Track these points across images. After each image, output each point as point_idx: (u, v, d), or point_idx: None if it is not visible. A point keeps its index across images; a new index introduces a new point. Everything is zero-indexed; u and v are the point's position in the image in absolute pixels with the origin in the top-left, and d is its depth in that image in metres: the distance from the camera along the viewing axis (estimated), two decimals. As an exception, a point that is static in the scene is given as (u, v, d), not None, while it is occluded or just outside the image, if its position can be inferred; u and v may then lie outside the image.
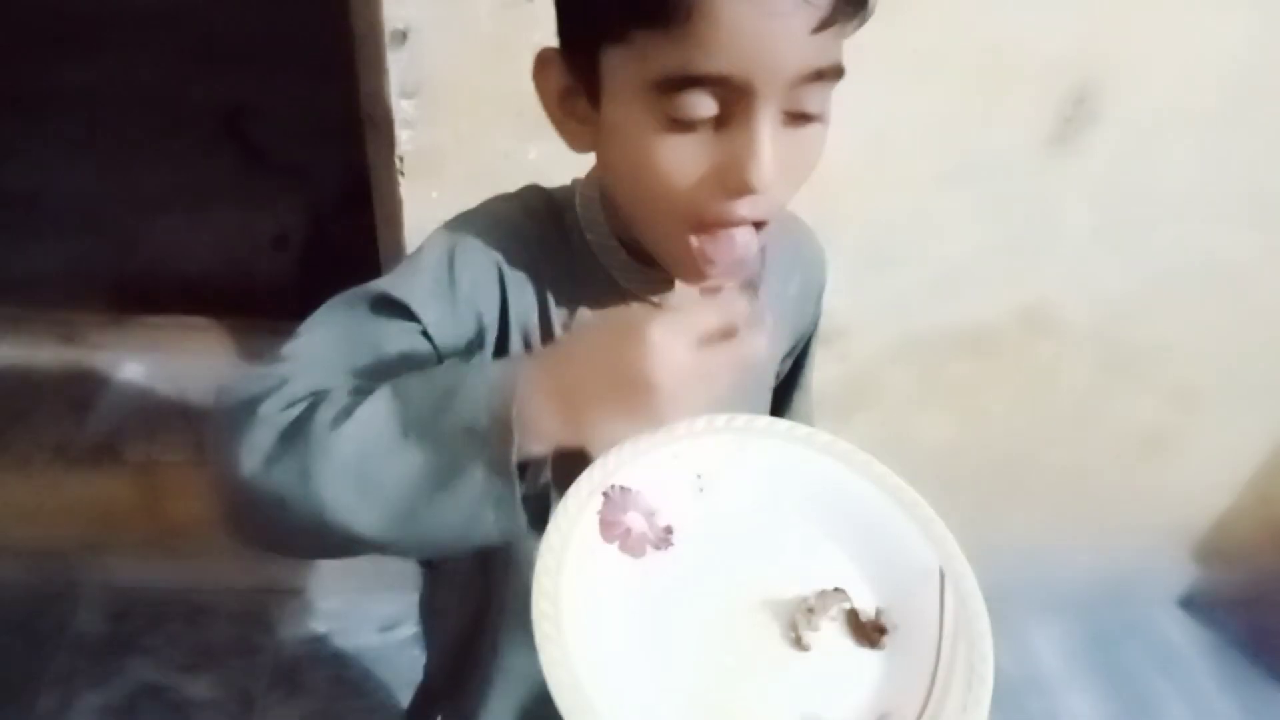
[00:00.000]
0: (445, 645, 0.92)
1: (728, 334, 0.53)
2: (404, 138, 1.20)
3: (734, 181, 0.55)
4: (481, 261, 0.65)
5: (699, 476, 0.64)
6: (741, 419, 0.68)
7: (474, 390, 0.51)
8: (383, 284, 0.62)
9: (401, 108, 1.18)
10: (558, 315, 0.68)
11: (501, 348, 0.66)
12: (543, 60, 0.62)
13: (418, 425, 0.51)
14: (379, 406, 0.52)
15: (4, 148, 2.19)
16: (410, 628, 1.63)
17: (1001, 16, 1.16)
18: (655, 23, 0.52)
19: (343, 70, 1.31)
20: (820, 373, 1.42)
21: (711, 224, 0.58)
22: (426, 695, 1.00)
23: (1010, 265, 1.39)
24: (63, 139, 2.23)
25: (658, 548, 0.62)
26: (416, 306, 0.61)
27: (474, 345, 0.65)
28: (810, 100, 0.56)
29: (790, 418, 0.88)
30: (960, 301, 1.43)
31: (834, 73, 0.56)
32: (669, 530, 0.62)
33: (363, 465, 0.51)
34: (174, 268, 1.89)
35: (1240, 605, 1.81)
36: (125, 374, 1.59)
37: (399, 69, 1.14)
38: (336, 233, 2.00)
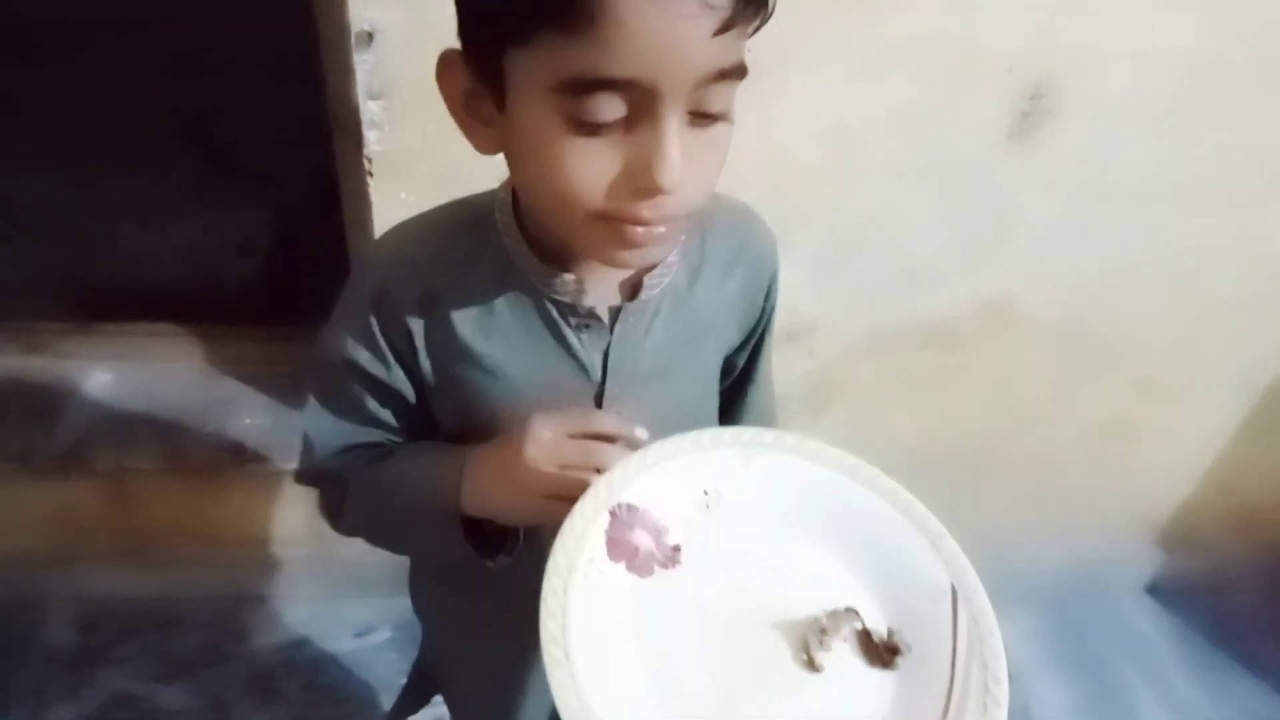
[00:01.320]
0: (438, 625, 0.97)
1: (595, 435, 0.66)
2: (372, 139, 1.20)
3: (643, 182, 0.56)
4: (403, 290, 0.71)
5: (706, 493, 0.64)
6: (749, 432, 0.68)
7: (425, 487, 0.72)
8: (326, 351, 0.75)
9: (369, 109, 1.18)
10: (481, 319, 0.71)
11: (436, 354, 0.73)
12: (446, 62, 0.62)
13: (388, 513, 0.77)
14: (359, 503, 0.78)
15: (-38, 155, 2.17)
16: (385, 633, 1.62)
17: (959, 14, 1.18)
18: (560, 26, 0.53)
19: (307, 74, 1.31)
20: (789, 369, 1.46)
21: (619, 220, 0.59)
22: (422, 674, 1.05)
23: (973, 259, 1.41)
24: (25, 146, 2.20)
25: (666, 567, 0.61)
26: (361, 364, 0.74)
27: (410, 357, 0.73)
28: (715, 100, 0.57)
29: (746, 412, 0.90)
30: (925, 296, 1.45)
31: (737, 72, 0.57)
32: (677, 549, 0.62)
33: (366, 534, 0.81)
34: (139, 275, 1.87)
35: (1205, 591, 1.84)
36: (92, 382, 1.57)
37: (365, 71, 1.15)
38: (303, 237, 1.99)
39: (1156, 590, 1.88)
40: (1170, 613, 1.85)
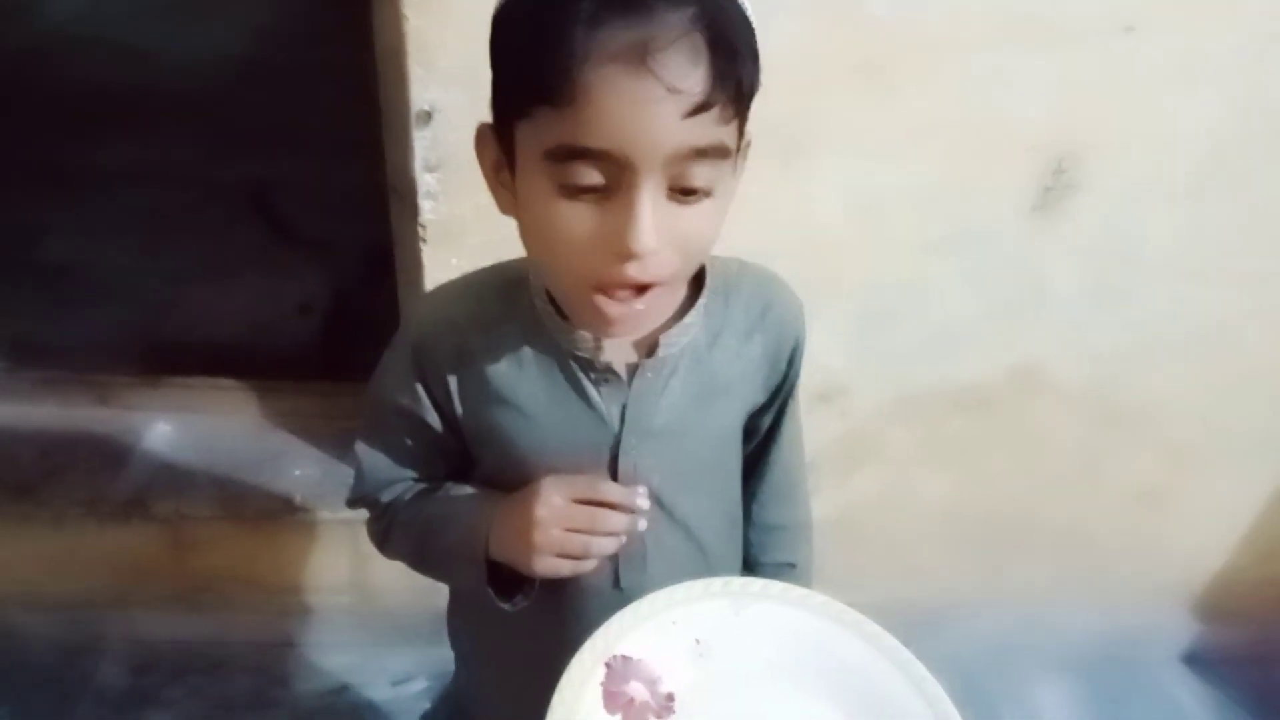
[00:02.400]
0: (470, 654, 1.02)
1: (603, 502, 0.74)
2: (426, 208, 1.29)
3: (616, 245, 0.62)
4: (441, 345, 0.79)
5: (698, 642, 0.68)
6: (737, 582, 0.73)
7: (460, 532, 0.81)
8: (375, 394, 0.85)
9: (425, 181, 1.27)
10: (511, 372, 0.78)
11: (470, 402, 0.80)
12: (481, 134, 0.71)
13: (428, 551, 0.86)
14: (402, 537, 0.87)
15: (45, 222, 2.31)
16: (422, 682, 1.66)
17: (984, 95, 1.25)
18: (549, 101, 0.60)
19: (366, 148, 1.41)
20: (821, 430, 1.50)
21: (605, 285, 0.65)
22: (452, 707, 1.08)
23: (1001, 326, 1.45)
24: (99, 214, 2.35)
25: (660, 716, 0.64)
26: (403, 407, 0.82)
27: (446, 404, 0.81)
28: (695, 177, 0.62)
29: (769, 472, 0.93)
30: (955, 361, 1.48)
31: (716, 152, 0.62)
32: (670, 698, 0.65)
33: (409, 562, 0.90)
34: (202, 333, 1.97)
35: (1244, 662, 1.81)
36: (155, 433, 1.65)
37: (423, 146, 1.24)
38: (358, 300, 2.09)
39: (1194, 660, 1.86)
40: (1208, 684, 1.82)
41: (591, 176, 0.61)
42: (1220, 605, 1.80)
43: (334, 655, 1.69)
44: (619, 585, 0.83)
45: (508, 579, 0.79)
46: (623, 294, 0.66)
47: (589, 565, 0.74)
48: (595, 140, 0.60)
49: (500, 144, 0.68)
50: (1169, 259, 1.40)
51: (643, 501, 0.74)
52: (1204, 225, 1.37)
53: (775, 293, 0.86)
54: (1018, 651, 1.75)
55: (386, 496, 0.88)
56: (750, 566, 0.96)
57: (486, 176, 0.72)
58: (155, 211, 2.36)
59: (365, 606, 1.66)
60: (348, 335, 1.99)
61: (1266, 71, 1.25)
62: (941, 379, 1.51)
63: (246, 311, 2.06)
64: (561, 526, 0.73)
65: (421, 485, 0.88)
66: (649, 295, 0.67)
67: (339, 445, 1.63)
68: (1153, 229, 1.37)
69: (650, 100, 0.58)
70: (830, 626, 0.68)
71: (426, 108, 1.21)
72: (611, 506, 0.74)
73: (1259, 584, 1.76)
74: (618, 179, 0.61)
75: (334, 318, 2.08)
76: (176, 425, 1.67)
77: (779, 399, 0.89)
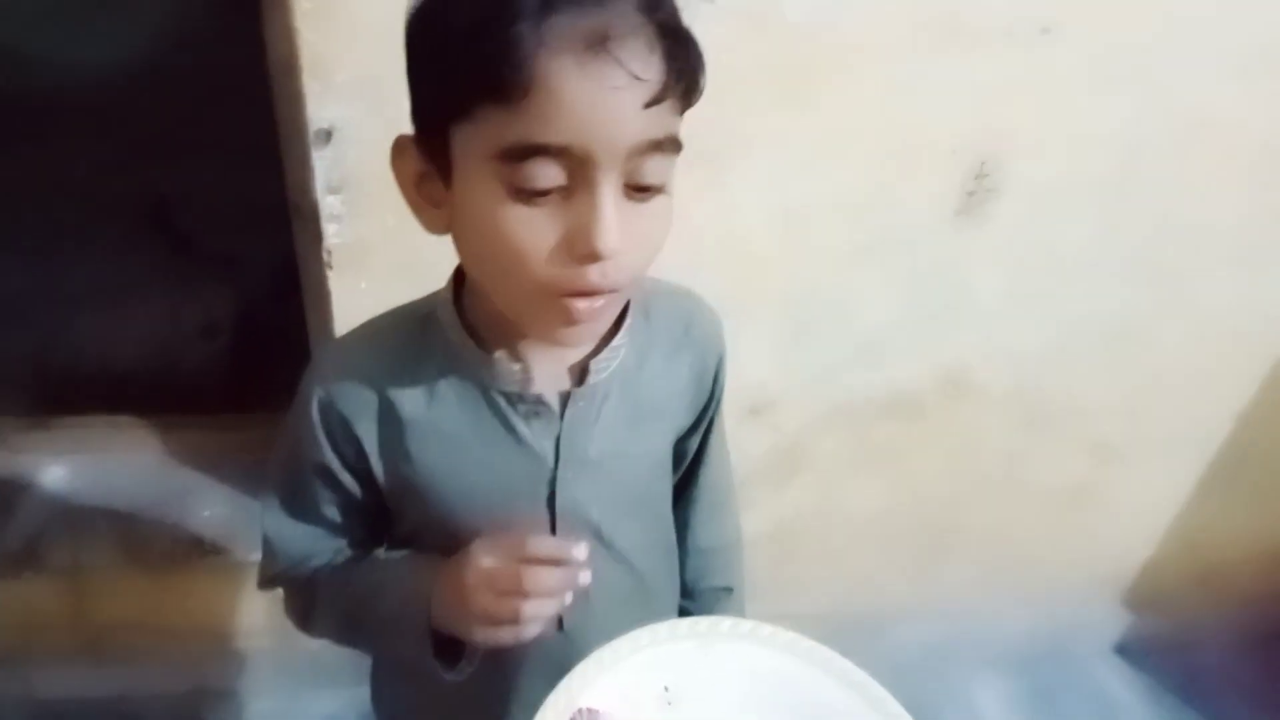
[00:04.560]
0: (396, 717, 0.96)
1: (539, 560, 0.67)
2: (330, 231, 1.21)
3: (581, 248, 0.58)
4: (349, 400, 0.73)
5: (667, 689, 0.65)
6: (705, 622, 0.69)
7: (399, 602, 0.74)
8: (280, 459, 0.79)
9: (328, 203, 1.19)
10: (430, 418, 0.72)
11: (387, 457, 0.74)
12: (399, 147, 0.65)
13: (360, 625, 0.78)
14: (329, 612, 0.80)
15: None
16: (350, 724, 1.59)
17: (904, 100, 1.23)
18: (498, 99, 0.55)
19: (268, 157, 1.32)
20: (753, 444, 1.47)
21: (565, 292, 0.60)
22: None
23: (927, 332, 1.45)
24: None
25: None
26: (313, 472, 0.75)
27: (360, 463, 0.75)
28: (650, 172, 0.59)
29: (700, 495, 0.91)
30: (883, 369, 1.47)
31: (671, 145, 0.60)
32: None
33: (335, 638, 0.83)
34: (98, 364, 1.86)
35: (1173, 650, 1.85)
36: (48, 476, 1.54)
37: (324, 166, 1.16)
38: (266, 319, 1.99)
39: (1125, 651, 1.89)
40: (1140, 673, 1.86)
41: (550, 176, 0.57)
42: (1147, 596, 1.84)
43: (255, 702, 1.61)
44: (562, 627, 0.79)
45: (447, 642, 0.74)
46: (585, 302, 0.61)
47: (531, 631, 0.67)
48: (554, 135, 0.56)
49: (427, 155, 0.63)
50: (1087, 259, 1.40)
51: (580, 551, 0.68)
52: (1120, 225, 1.38)
53: (693, 309, 0.83)
54: (954, 652, 1.76)
55: (304, 572, 0.81)
56: (686, 593, 0.94)
57: (407, 193, 0.66)
58: (43, 230, 2.22)
59: (286, 648, 1.57)
60: (256, 359, 1.89)
61: (1177, 71, 1.25)
62: (870, 387, 1.50)
63: (146, 337, 1.95)
64: (493, 592, 0.67)
65: (342, 555, 0.81)
66: (614, 297, 0.63)
67: (250, 481, 1.54)
68: (1071, 230, 1.37)
69: (613, 89, 0.55)
70: (799, 664, 0.67)
71: (326, 126, 1.14)
72: (552, 563, 0.68)
73: (1184, 574, 1.80)
74: (577, 177, 0.57)
75: (241, 340, 1.98)
76: (71, 467, 1.55)
77: (705, 419, 0.87)
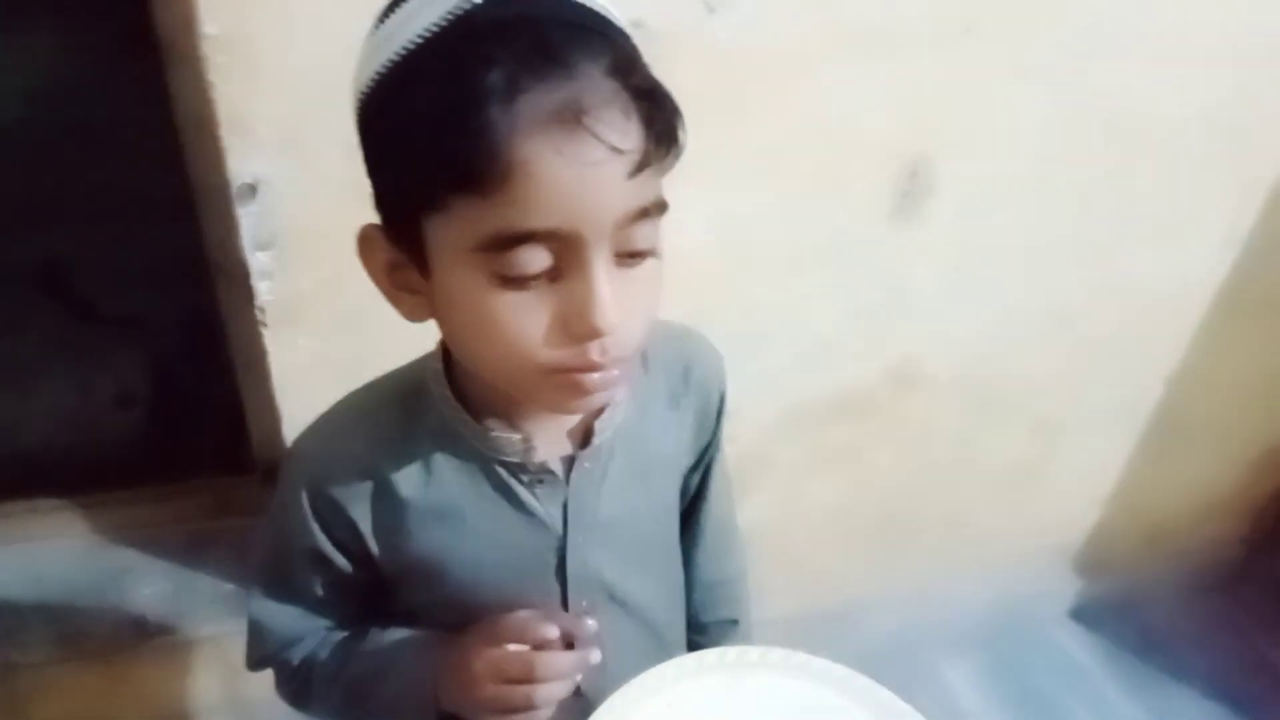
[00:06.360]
0: None
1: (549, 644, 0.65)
2: (263, 289, 1.16)
3: (579, 328, 0.56)
4: (340, 482, 0.69)
5: None
6: (732, 653, 0.68)
7: (406, 683, 0.71)
8: (265, 546, 0.75)
9: (258, 260, 1.14)
10: (429, 497, 0.69)
11: (385, 539, 0.70)
12: (365, 238, 0.61)
13: (363, 707, 0.74)
14: (327, 694, 0.76)
15: None
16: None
17: (834, 108, 1.24)
18: (472, 190, 0.52)
19: (171, 211, 1.24)
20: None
21: (569, 370, 0.58)
22: None
23: (872, 330, 1.46)
24: None
25: None
26: (304, 557, 0.71)
27: (356, 545, 0.71)
28: (639, 238, 0.57)
29: (705, 530, 0.88)
30: (832, 370, 1.49)
31: (657, 209, 0.58)
32: None
33: (333, 718, 0.79)
34: (8, 446, 1.74)
35: (1126, 609, 1.92)
36: (-33, 574, 1.43)
37: (251, 222, 1.11)
38: (183, 382, 1.89)
39: (1081, 615, 1.96)
40: (1096, 634, 1.92)
41: (538, 261, 0.54)
42: (1097, 561, 1.90)
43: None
44: (579, 691, 0.75)
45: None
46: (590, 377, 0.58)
47: (543, 716, 0.65)
48: (538, 221, 0.53)
49: (397, 245, 0.59)
50: (1020, 247, 1.44)
51: (590, 625, 0.65)
52: (1046, 212, 1.42)
53: (694, 350, 0.80)
54: (920, 636, 1.79)
55: (298, 653, 0.77)
56: (693, 627, 0.92)
57: (379, 283, 0.62)
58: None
59: (245, 724, 1.50)
60: (178, 425, 1.80)
61: (1093, 63, 1.29)
62: (820, 389, 1.51)
63: (56, 412, 1.83)
64: (499, 680, 0.64)
65: (337, 634, 0.77)
66: (622, 364, 0.59)
67: (189, 552, 1.45)
68: (1002, 220, 1.41)
69: (593, 165, 0.52)
70: (829, 693, 0.65)
71: (250, 180, 1.08)
72: (566, 646, 0.66)
73: (1129, 537, 1.88)
74: (565, 256, 0.54)
75: (160, 406, 1.88)
76: (-8, 560, 1.45)
77: (707, 456, 0.85)
